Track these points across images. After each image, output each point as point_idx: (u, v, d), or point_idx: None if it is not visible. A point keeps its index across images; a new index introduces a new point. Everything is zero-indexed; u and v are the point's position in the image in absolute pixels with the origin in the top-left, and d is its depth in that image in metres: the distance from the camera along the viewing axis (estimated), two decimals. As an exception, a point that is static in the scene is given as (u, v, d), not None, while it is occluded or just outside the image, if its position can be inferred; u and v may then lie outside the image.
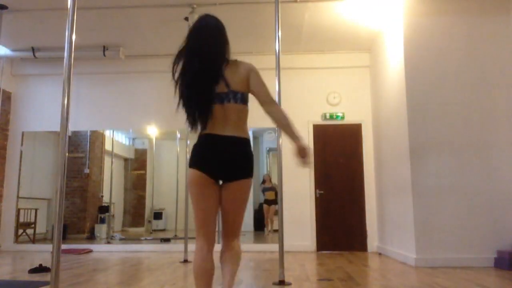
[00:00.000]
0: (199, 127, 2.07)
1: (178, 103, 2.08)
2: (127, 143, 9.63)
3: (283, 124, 2.11)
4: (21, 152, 7.35)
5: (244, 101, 2.11)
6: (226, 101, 2.05)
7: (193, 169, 2.04)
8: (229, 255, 2.12)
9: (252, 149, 2.15)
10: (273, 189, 8.64)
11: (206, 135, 2.05)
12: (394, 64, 5.59)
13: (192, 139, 6.33)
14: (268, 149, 10.23)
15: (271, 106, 2.11)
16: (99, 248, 6.95)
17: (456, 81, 5.06)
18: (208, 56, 2.05)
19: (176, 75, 2.09)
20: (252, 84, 2.11)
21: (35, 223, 7.39)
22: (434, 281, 3.73)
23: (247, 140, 2.11)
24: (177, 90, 2.08)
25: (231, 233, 2.14)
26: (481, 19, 5.15)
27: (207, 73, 2.04)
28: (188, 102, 2.06)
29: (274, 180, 8.84)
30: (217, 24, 2.16)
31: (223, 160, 2.02)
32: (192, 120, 2.06)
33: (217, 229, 7.62)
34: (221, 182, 2.09)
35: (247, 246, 6.61)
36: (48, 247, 6.51)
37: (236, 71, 2.10)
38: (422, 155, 4.96)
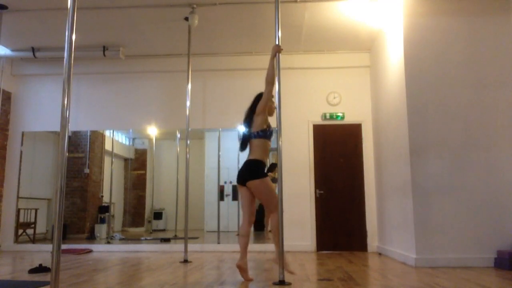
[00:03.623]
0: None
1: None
2: (127, 143, 9.63)
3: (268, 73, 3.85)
4: (21, 152, 7.35)
5: (262, 135, 3.78)
6: (252, 138, 3.83)
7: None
8: (270, 226, 3.81)
9: (260, 163, 3.79)
10: (274, 180, 8.14)
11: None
12: (394, 64, 5.59)
13: (192, 139, 6.33)
14: (268, 149, 10.17)
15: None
16: (99, 248, 6.95)
17: (456, 81, 5.06)
18: (245, 126, 3.93)
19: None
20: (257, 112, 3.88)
21: (35, 223, 7.38)
22: (434, 281, 3.73)
23: (256, 160, 3.77)
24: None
25: (267, 210, 3.83)
26: (481, 19, 5.14)
27: (246, 135, 3.91)
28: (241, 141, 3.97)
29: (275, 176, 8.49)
30: (255, 100, 3.94)
31: (241, 173, 3.82)
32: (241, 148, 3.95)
33: (218, 230, 7.47)
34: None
35: (247, 246, 6.59)
36: (48, 247, 6.52)
37: (254, 119, 3.84)
38: (422, 155, 4.96)
